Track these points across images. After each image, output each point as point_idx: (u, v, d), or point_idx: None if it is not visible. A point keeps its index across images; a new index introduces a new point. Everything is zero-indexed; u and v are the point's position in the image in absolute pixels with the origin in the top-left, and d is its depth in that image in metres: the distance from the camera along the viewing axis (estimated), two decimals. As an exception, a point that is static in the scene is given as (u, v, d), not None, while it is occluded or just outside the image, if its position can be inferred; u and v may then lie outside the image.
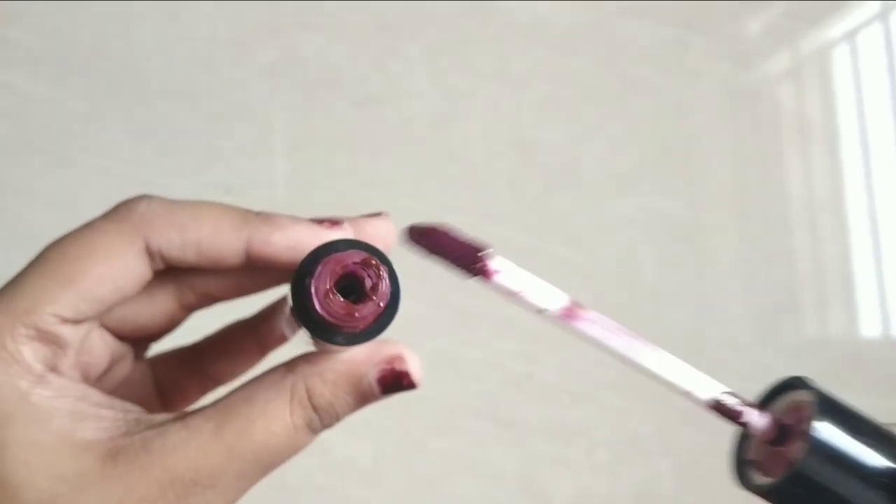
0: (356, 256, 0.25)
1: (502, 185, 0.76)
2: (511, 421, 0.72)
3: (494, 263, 0.27)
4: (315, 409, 0.27)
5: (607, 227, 0.76)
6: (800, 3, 0.82)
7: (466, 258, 0.27)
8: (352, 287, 0.26)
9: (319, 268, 0.25)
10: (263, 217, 0.28)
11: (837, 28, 0.83)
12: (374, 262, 0.25)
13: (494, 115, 0.77)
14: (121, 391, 0.31)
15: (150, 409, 0.32)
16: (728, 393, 0.27)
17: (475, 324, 0.73)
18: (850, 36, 0.82)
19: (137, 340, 0.31)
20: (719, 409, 0.27)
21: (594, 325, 0.27)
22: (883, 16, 0.83)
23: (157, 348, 0.33)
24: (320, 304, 0.25)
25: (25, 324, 0.26)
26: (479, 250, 0.27)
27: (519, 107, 0.77)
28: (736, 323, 0.76)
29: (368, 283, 0.25)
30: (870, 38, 0.82)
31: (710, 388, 0.27)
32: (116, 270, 0.27)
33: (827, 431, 0.25)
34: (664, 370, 0.27)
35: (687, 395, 0.27)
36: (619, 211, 0.77)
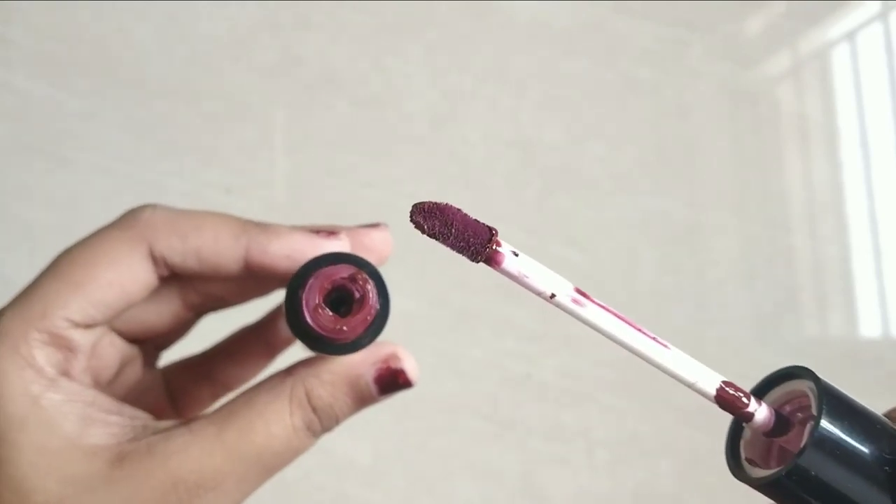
0: (344, 271, 0.26)
1: (502, 185, 0.76)
2: (511, 421, 0.72)
3: (505, 247, 0.25)
4: (314, 410, 0.27)
5: (607, 227, 0.76)
6: (800, 3, 0.82)
7: (479, 238, 0.25)
8: (343, 298, 0.26)
9: (311, 281, 0.26)
10: (262, 226, 0.29)
11: (837, 28, 0.83)
12: (360, 276, 0.26)
13: (494, 115, 0.77)
14: (133, 397, 0.31)
15: (164, 416, 0.32)
16: (727, 383, 0.26)
17: (475, 324, 0.73)
18: (850, 36, 0.82)
19: (146, 343, 0.32)
20: (722, 399, 0.26)
21: (601, 312, 0.26)
22: (883, 16, 0.83)
23: (168, 358, 0.34)
24: (310, 317, 0.26)
25: (38, 328, 0.26)
26: (493, 231, 0.25)
27: (519, 107, 0.77)
28: (736, 323, 0.76)
29: (356, 295, 0.26)
30: (870, 38, 0.82)
31: (712, 379, 0.26)
32: (123, 276, 0.27)
33: (830, 424, 0.24)
34: (667, 361, 0.26)
35: (691, 386, 0.26)
36: (619, 211, 0.77)
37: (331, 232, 0.29)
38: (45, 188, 0.71)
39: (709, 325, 0.76)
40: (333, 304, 0.26)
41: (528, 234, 0.75)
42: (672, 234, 0.77)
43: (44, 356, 0.26)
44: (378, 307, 0.26)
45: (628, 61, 0.79)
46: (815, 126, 0.81)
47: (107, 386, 0.30)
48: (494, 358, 0.73)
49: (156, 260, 0.28)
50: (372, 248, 0.29)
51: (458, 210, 0.25)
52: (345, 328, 0.26)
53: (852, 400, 0.25)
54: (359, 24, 0.77)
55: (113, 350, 0.30)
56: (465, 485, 0.71)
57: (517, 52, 0.78)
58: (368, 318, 0.26)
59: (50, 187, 0.71)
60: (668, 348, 0.26)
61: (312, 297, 0.26)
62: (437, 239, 0.24)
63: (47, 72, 0.73)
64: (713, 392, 0.26)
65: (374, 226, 0.30)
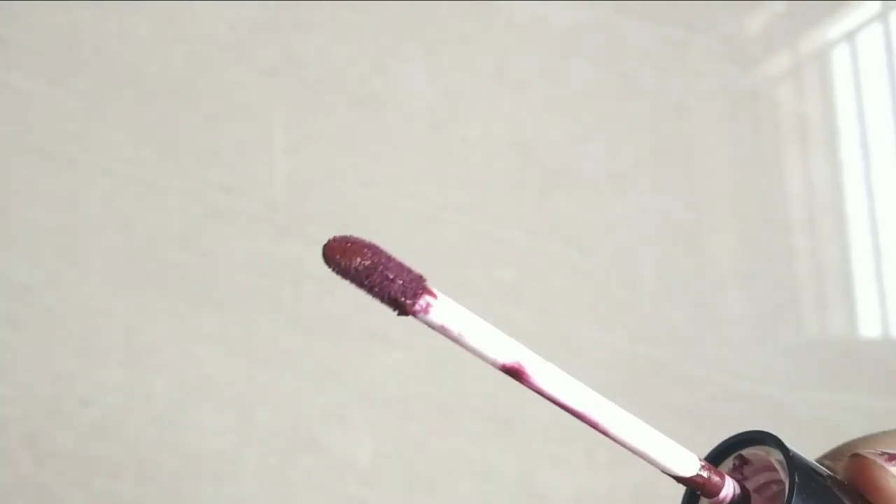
0: None
1: (502, 185, 0.76)
2: (511, 421, 0.72)
3: (437, 300, 0.20)
4: None
5: (607, 227, 0.76)
6: (800, 3, 0.82)
7: (408, 287, 0.20)
8: None
9: None
10: None
11: (837, 28, 0.83)
12: None
13: (494, 115, 0.77)
14: None
15: None
16: (703, 466, 0.23)
17: (475, 324, 0.72)
18: (850, 36, 0.82)
19: None
20: (692, 484, 0.23)
21: (543, 388, 0.22)
22: (883, 16, 0.83)
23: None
24: None
25: None
26: (422, 280, 0.20)
27: (519, 107, 0.77)
28: (736, 323, 0.76)
29: None
30: (870, 38, 0.82)
31: (687, 464, 0.23)
32: None
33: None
34: (631, 437, 0.23)
35: (662, 468, 0.23)
36: (618, 211, 0.77)
37: None
38: (45, 188, 0.71)
39: (709, 325, 0.76)
40: None
41: (528, 234, 0.75)
42: (672, 234, 0.77)
43: None
44: None
45: (628, 61, 0.79)
46: (815, 126, 0.81)
47: None
48: (494, 358, 0.73)
49: None
50: None
51: (383, 252, 0.19)
52: None
53: (822, 472, 0.22)
54: (359, 24, 0.77)
55: None
56: (465, 485, 0.71)
57: (517, 52, 0.78)
58: None
59: (50, 187, 0.71)
60: (634, 420, 0.23)
61: None
62: (353, 281, 0.20)
63: (47, 72, 0.73)
64: (686, 477, 0.23)
65: None
